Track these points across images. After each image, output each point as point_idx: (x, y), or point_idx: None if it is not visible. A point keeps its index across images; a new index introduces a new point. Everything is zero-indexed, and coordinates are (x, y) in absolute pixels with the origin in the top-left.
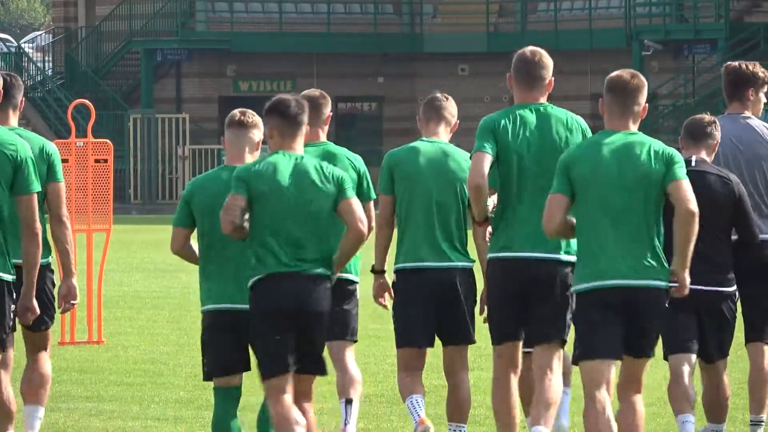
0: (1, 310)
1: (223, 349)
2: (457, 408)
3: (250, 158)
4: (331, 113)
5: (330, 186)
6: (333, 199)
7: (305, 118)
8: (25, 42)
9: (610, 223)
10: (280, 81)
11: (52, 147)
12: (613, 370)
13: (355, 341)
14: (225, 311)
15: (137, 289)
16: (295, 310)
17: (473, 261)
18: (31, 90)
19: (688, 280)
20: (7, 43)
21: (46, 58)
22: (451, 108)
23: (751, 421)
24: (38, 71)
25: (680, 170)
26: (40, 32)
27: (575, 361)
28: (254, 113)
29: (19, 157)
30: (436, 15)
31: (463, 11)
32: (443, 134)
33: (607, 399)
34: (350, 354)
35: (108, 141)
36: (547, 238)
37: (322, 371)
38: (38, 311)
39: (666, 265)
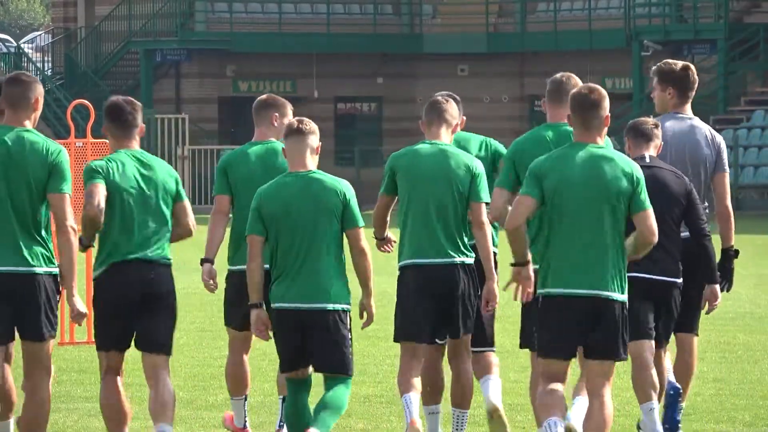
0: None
1: (290, 345)
2: (461, 395)
3: (311, 162)
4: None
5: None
6: (172, 196)
7: (137, 120)
8: (24, 42)
9: (576, 234)
10: (279, 81)
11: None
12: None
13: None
14: (289, 310)
15: None
16: (141, 295)
17: (473, 256)
18: None
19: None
20: (7, 44)
21: (46, 59)
22: (451, 110)
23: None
24: (37, 71)
25: (646, 198)
26: (39, 32)
27: (540, 355)
28: (311, 120)
29: (56, 157)
30: (435, 15)
31: (462, 12)
32: (444, 136)
33: (561, 389)
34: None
35: (107, 141)
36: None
37: (165, 350)
38: (81, 310)
39: (625, 275)
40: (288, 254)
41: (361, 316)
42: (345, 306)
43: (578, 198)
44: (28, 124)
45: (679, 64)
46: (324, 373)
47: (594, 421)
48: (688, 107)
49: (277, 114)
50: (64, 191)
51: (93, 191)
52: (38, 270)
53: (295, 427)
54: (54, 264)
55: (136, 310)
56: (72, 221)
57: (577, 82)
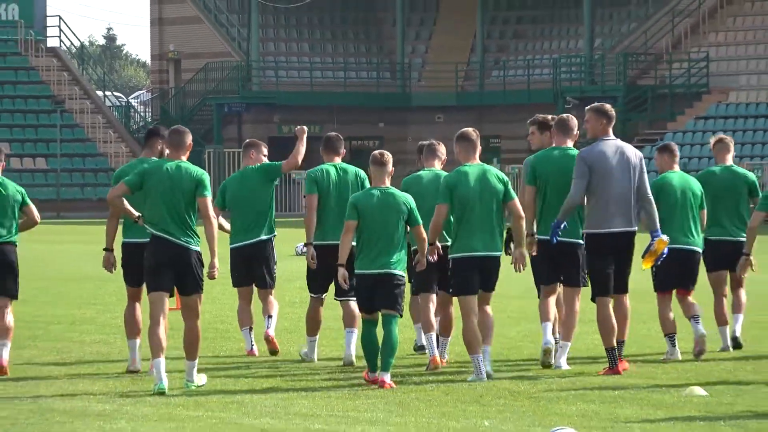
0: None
1: (368, 295)
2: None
3: (387, 180)
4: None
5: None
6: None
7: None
8: (132, 98)
9: (474, 219)
10: (310, 125)
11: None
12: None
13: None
14: (368, 275)
15: None
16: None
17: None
18: (137, 132)
19: (526, 255)
20: (120, 99)
21: (147, 110)
22: (441, 149)
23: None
24: (141, 119)
25: (512, 191)
26: (142, 91)
27: (455, 294)
28: (389, 153)
29: (200, 177)
30: (420, 79)
31: (439, 77)
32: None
33: (476, 321)
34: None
35: None
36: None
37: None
38: (216, 273)
39: (502, 243)
40: (371, 239)
41: (417, 263)
42: (404, 272)
43: (475, 197)
44: (184, 158)
45: (549, 116)
46: (386, 311)
47: (483, 324)
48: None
49: (254, 150)
50: (206, 195)
51: None
52: (190, 245)
53: (369, 350)
54: (198, 243)
55: None
56: (213, 213)
57: (573, 120)
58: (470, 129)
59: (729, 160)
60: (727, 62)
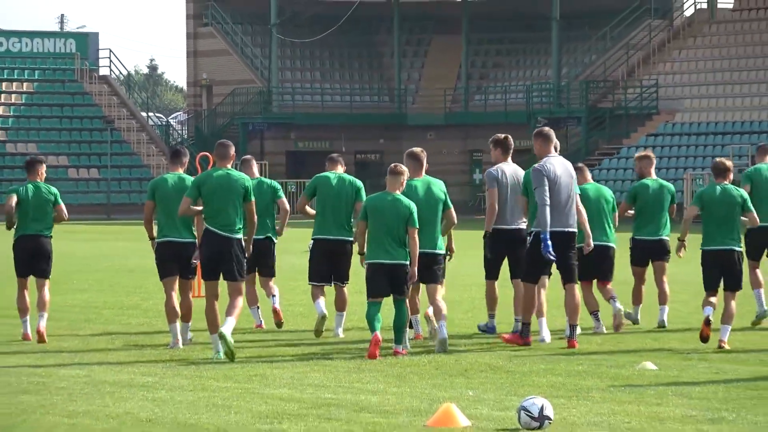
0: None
1: (377, 283)
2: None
3: (399, 189)
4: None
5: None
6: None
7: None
8: (171, 118)
9: (424, 220)
10: (321, 141)
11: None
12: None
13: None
14: (380, 264)
15: None
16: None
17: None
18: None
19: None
20: (161, 119)
21: (184, 129)
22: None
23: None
24: (179, 136)
25: (449, 200)
26: (179, 112)
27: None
28: (402, 165)
29: (246, 184)
30: (414, 102)
31: (430, 99)
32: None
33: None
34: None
35: None
36: None
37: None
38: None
39: (443, 242)
40: (379, 235)
41: (410, 277)
42: (408, 262)
43: (422, 203)
44: (229, 166)
45: (502, 135)
46: (396, 295)
47: (435, 309)
48: (510, 158)
49: (254, 162)
50: (251, 200)
51: (10, 200)
52: (236, 235)
53: (373, 323)
54: (241, 233)
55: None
56: (255, 213)
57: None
58: (419, 149)
59: (653, 173)
60: (674, 88)
